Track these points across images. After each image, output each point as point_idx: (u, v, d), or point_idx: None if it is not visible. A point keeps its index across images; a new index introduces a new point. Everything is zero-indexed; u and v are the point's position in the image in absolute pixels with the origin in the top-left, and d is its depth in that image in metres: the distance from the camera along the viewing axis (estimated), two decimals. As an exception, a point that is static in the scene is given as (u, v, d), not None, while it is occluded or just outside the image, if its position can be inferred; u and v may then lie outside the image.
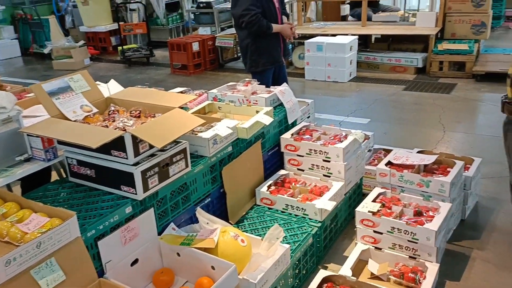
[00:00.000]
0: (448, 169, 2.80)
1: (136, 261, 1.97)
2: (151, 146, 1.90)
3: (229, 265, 1.83)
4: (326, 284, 1.98)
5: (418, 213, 2.49)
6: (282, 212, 2.62)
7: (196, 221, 2.25)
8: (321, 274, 2.00)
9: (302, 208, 2.55)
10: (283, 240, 2.33)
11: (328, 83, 5.98)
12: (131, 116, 1.97)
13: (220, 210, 2.48)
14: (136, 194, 1.89)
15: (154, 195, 2.00)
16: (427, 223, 2.36)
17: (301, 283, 2.34)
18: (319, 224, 2.47)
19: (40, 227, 1.57)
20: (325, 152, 2.74)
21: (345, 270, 2.30)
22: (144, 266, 2.00)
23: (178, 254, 2.03)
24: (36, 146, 2.00)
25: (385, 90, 5.52)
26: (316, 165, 2.80)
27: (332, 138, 2.90)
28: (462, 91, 5.30)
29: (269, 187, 2.73)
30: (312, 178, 2.80)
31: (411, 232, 2.35)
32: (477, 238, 2.70)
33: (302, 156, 2.83)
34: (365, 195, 2.65)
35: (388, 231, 2.43)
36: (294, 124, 3.08)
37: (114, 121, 1.91)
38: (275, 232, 2.12)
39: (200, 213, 2.26)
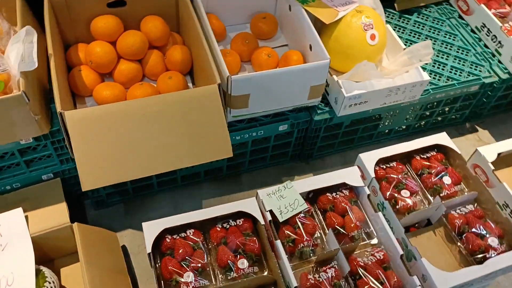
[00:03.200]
0: None
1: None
2: None
3: (325, 57, 1.31)
4: (434, 153, 1.37)
5: None
6: (473, 31, 1.77)
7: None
8: (437, 138, 1.37)
9: (499, 42, 1.67)
10: (432, 67, 1.62)
11: None
12: None
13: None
14: None
15: None
16: None
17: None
18: (506, 77, 1.63)
19: None
20: None
21: (490, 150, 1.59)
22: None
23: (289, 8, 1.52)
24: None
25: None
26: None
27: None
28: None
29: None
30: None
31: None
32: None
33: None
34: None
35: None
36: None
37: None
38: (423, 51, 1.42)
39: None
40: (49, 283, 1.18)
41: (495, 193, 1.56)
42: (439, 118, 1.74)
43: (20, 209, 1.22)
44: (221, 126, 1.13)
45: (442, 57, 1.66)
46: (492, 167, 1.55)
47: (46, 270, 1.21)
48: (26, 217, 1.23)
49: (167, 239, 1.15)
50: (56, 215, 1.25)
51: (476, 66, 1.64)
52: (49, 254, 1.31)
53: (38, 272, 1.19)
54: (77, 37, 1.40)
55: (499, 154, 1.62)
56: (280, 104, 1.37)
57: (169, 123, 1.08)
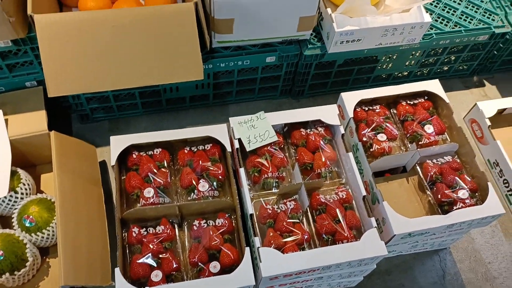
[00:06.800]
0: None
1: None
2: None
3: (317, -15, 1.23)
4: (422, 100, 1.31)
5: None
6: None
7: None
8: (428, 85, 1.30)
9: (521, -11, 1.53)
10: (441, 10, 1.51)
11: None
12: None
13: None
14: None
15: None
16: None
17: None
18: (521, 28, 1.51)
19: None
20: None
21: (490, 105, 1.51)
22: None
23: None
24: None
25: None
26: None
27: None
28: None
29: None
30: None
31: None
32: None
33: None
34: None
35: None
36: None
37: None
38: (426, -11, 1.33)
39: None
40: (24, 184, 1.24)
41: (487, 150, 1.51)
42: (445, 68, 1.66)
43: (0, 111, 1.26)
44: (194, 47, 1.10)
45: (454, 1, 1.55)
46: (489, 123, 1.49)
47: (22, 172, 1.26)
48: (6, 120, 1.27)
49: (133, 154, 1.17)
50: (35, 121, 1.28)
51: (490, 14, 1.52)
52: (30, 160, 1.36)
53: (14, 173, 1.25)
54: None
55: (501, 111, 1.55)
56: (267, 33, 1.32)
57: (140, 37, 1.07)
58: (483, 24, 1.49)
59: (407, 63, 1.57)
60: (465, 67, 1.67)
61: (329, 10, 1.34)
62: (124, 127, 1.52)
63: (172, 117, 1.56)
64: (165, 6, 1.09)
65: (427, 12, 1.38)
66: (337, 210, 1.12)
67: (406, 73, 1.63)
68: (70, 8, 1.34)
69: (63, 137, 1.28)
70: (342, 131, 1.21)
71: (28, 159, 1.35)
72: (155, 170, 1.15)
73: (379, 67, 1.55)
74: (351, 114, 1.24)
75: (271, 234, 1.08)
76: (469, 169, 1.23)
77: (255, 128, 1.20)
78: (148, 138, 1.17)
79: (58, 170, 1.20)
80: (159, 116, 1.55)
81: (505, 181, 1.43)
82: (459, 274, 1.32)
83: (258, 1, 1.21)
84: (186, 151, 1.20)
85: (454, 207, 1.15)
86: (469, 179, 1.20)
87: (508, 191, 1.42)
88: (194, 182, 1.14)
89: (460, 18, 1.50)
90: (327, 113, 1.24)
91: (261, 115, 1.22)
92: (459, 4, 1.54)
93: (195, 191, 1.14)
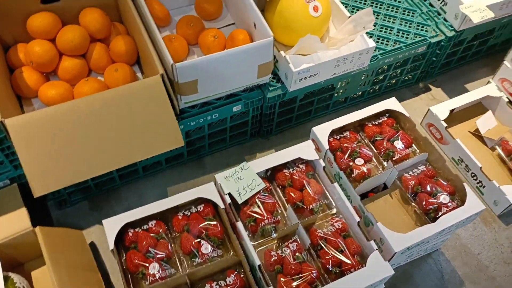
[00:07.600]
0: None
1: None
2: None
3: (268, 35, 1.30)
4: (385, 119, 1.41)
5: None
6: (418, -9, 1.78)
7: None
8: (387, 104, 1.40)
9: (443, 0, 1.68)
10: (379, 32, 1.64)
11: None
12: None
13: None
14: None
15: None
16: None
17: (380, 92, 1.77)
18: (452, 34, 1.66)
19: None
20: None
21: (442, 108, 1.63)
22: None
23: (232, -14, 1.51)
24: None
25: None
26: None
27: None
28: None
29: None
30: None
31: None
32: None
33: None
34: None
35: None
36: None
37: None
38: (365, 19, 1.44)
39: None
40: (19, 288, 1.19)
41: (450, 149, 1.62)
42: (393, 81, 1.78)
43: (-22, 220, 1.21)
44: (169, 116, 1.13)
45: (388, 21, 1.68)
46: (445, 125, 1.60)
47: (15, 276, 1.21)
48: (-13, 226, 1.22)
49: (129, 233, 1.16)
50: (17, 221, 1.24)
51: (423, 27, 1.66)
52: (18, 259, 1.31)
53: (7, 279, 1.20)
54: (16, 37, 1.36)
55: (451, 111, 1.68)
56: (229, 86, 1.37)
57: (115, 119, 1.08)
58: (419, 37, 1.62)
59: (360, 85, 1.67)
60: (410, 77, 1.80)
61: (282, 52, 1.41)
62: (105, 204, 1.49)
63: (150, 182, 1.55)
64: (133, 84, 1.12)
65: (368, 36, 1.49)
66: (337, 240, 1.17)
67: (360, 93, 1.73)
68: (30, 99, 1.33)
69: (49, 230, 1.25)
70: (323, 164, 1.27)
71: (15, 259, 1.30)
72: (154, 244, 1.15)
73: (336, 94, 1.64)
74: (326, 146, 1.31)
75: (282, 280, 1.11)
76: (442, 173, 1.33)
77: (241, 180, 1.23)
78: (140, 213, 1.17)
79: (53, 266, 1.16)
80: (137, 184, 1.54)
81: (472, 175, 1.54)
82: (455, 271, 1.40)
83: (217, 59, 1.26)
84: (180, 217, 1.20)
85: (440, 213, 1.23)
86: (445, 183, 1.29)
87: (477, 183, 1.53)
88: (195, 246, 1.15)
89: (398, 35, 1.63)
90: (304, 149, 1.30)
91: (244, 165, 1.25)
92: (393, 23, 1.67)
93: (198, 254, 1.15)
